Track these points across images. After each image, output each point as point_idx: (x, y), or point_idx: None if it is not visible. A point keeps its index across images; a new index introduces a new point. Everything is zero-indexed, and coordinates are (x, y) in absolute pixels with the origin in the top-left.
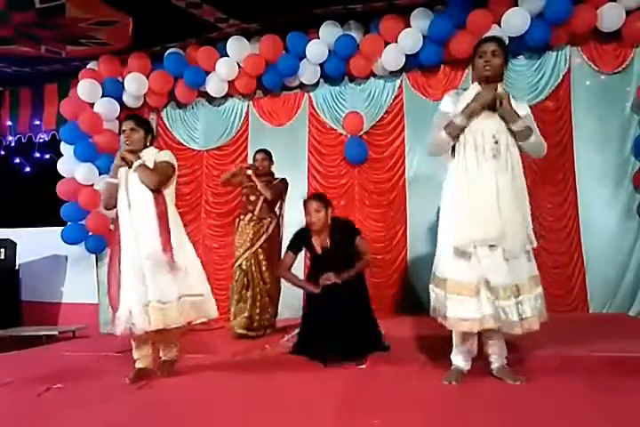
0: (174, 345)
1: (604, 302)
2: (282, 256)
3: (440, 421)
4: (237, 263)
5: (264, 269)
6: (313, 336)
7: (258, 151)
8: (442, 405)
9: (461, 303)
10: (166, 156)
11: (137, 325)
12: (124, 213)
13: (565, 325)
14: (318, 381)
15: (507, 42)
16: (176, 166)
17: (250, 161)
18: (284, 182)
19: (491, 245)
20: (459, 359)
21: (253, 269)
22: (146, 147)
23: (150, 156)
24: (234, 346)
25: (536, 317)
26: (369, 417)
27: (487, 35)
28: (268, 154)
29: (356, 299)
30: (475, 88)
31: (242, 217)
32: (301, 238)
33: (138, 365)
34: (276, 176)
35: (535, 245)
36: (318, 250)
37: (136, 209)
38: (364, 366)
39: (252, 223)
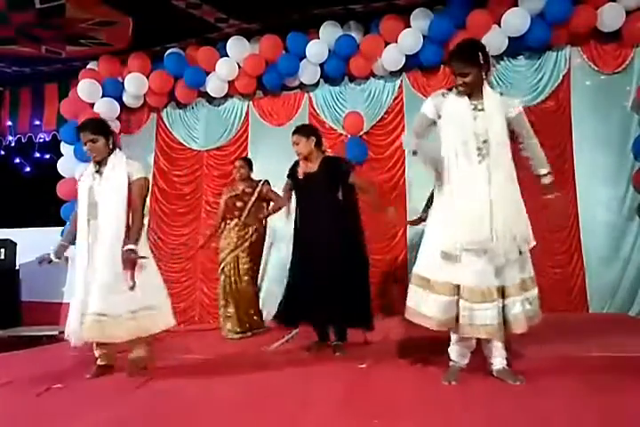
0: (144, 345)
1: (603, 302)
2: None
3: (440, 421)
4: (221, 267)
5: (242, 273)
6: (297, 303)
7: (238, 159)
8: (442, 405)
9: (449, 304)
10: (139, 172)
11: (75, 334)
12: (83, 225)
13: (565, 325)
14: (318, 380)
15: (479, 44)
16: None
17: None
18: (268, 184)
19: (478, 249)
20: (456, 355)
21: (232, 272)
22: (111, 151)
23: (119, 162)
24: (231, 346)
25: (523, 320)
26: (369, 417)
27: (460, 43)
28: (247, 162)
29: (346, 262)
30: (457, 99)
31: (228, 222)
32: (292, 166)
33: (99, 362)
34: (255, 178)
35: (532, 244)
36: (300, 174)
37: (102, 221)
38: (364, 366)
39: (236, 228)
